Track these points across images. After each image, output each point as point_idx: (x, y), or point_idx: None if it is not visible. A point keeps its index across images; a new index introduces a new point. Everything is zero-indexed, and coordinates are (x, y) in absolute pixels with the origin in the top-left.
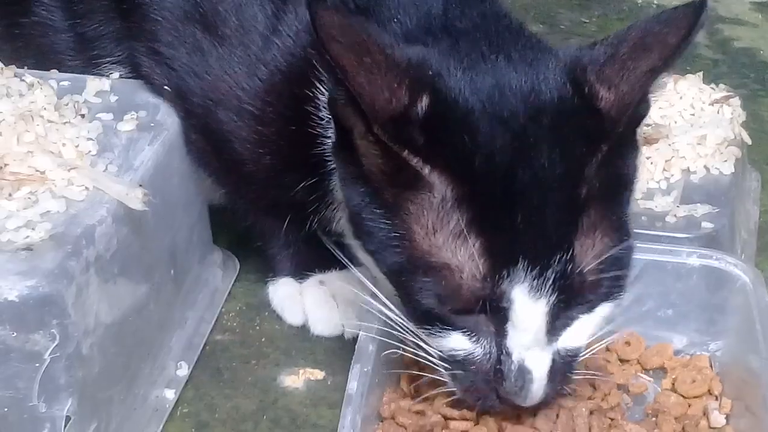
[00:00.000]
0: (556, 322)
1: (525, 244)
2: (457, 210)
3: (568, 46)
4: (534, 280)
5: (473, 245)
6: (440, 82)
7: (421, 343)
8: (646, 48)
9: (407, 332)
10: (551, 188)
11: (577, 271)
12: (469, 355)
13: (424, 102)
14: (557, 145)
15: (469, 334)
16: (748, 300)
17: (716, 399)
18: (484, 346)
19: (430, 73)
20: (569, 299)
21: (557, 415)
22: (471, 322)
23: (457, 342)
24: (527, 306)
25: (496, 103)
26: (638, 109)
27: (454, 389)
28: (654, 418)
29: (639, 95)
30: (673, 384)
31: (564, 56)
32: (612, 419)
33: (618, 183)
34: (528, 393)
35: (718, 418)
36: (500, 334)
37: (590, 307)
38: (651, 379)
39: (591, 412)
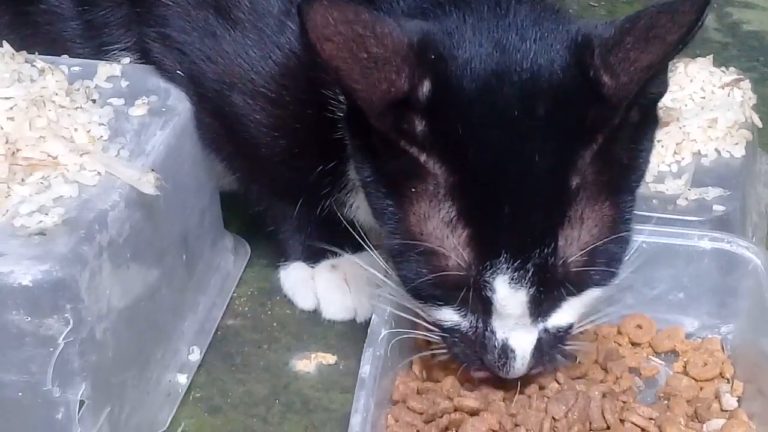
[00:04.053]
0: (543, 305)
1: (508, 237)
2: (449, 199)
3: (588, 19)
4: (515, 272)
5: (460, 235)
6: (442, 66)
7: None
8: (648, 41)
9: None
10: (540, 181)
11: (560, 263)
12: (457, 325)
13: (425, 87)
14: (550, 137)
15: (458, 309)
16: (760, 283)
17: (728, 382)
18: (471, 321)
19: (432, 56)
20: (552, 288)
21: (569, 399)
22: (460, 299)
23: (447, 315)
24: (508, 295)
25: (493, 91)
26: (644, 91)
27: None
28: (666, 401)
29: (636, 88)
30: (685, 367)
31: (576, 32)
32: (624, 402)
33: (615, 172)
34: (511, 368)
35: (729, 401)
36: (486, 312)
37: (577, 292)
38: (662, 362)
39: (603, 396)
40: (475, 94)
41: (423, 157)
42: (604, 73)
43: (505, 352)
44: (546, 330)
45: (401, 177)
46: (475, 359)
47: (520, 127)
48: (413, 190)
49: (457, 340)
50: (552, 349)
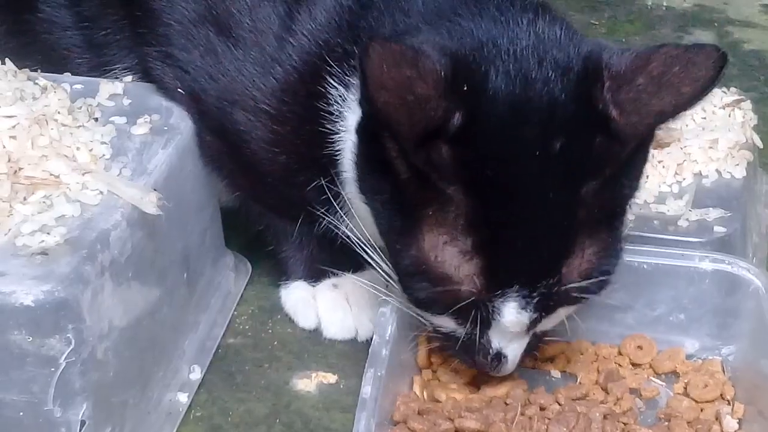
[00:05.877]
0: (540, 320)
1: (520, 269)
2: (469, 230)
3: (596, 43)
4: (523, 299)
5: (476, 264)
6: (473, 99)
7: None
8: (661, 87)
9: None
10: (552, 216)
11: (563, 289)
12: (453, 332)
13: (456, 119)
14: (563, 172)
15: (456, 318)
16: (761, 304)
17: (729, 404)
18: (467, 329)
19: (465, 88)
20: (551, 308)
21: (570, 420)
22: (461, 311)
23: (445, 322)
24: (514, 319)
25: (517, 127)
26: (654, 133)
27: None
28: (666, 423)
29: (646, 130)
30: (686, 388)
31: (586, 59)
32: (625, 424)
33: (616, 203)
34: (500, 370)
35: (730, 423)
36: (485, 325)
37: (571, 305)
38: (663, 383)
39: (604, 417)
40: (501, 130)
41: (449, 188)
42: (614, 108)
43: (498, 357)
44: (535, 335)
45: (420, 200)
46: (467, 358)
47: (539, 164)
48: (432, 217)
49: (451, 342)
50: (535, 345)
